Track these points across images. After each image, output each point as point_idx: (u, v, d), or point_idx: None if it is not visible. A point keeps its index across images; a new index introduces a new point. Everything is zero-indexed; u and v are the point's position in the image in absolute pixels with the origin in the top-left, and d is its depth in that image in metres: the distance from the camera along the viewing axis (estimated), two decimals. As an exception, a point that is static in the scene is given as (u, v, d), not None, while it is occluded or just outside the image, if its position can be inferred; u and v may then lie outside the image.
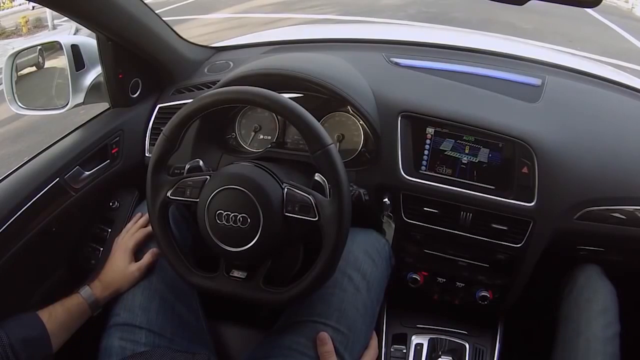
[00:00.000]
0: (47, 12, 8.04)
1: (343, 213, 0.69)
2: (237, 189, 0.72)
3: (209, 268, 0.78)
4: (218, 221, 0.72)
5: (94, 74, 1.05)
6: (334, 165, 0.70)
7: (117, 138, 1.05)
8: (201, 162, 0.82)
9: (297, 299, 0.72)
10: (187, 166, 0.82)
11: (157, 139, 0.79)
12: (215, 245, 0.74)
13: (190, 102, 0.76)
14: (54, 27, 7.89)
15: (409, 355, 1.09)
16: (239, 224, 0.71)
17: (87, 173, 0.98)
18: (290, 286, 0.72)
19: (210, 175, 0.77)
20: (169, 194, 0.77)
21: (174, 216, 0.91)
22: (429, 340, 1.10)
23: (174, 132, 0.77)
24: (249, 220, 0.71)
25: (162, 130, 0.78)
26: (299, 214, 0.71)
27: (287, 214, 0.72)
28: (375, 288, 0.85)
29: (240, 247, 0.72)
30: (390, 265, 0.94)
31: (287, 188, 0.73)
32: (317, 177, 0.76)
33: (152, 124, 1.11)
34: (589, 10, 7.34)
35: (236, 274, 0.76)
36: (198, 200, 0.75)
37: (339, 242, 0.70)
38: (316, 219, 0.70)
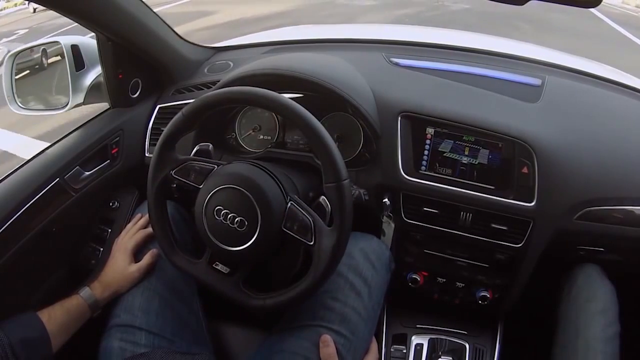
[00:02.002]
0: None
1: (339, 247, 0.69)
2: (242, 191, 0.71)
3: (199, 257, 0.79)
4: (216, 217, 0.72)
5: (94, 74, 1.05)
6: (344, 201, 0.70)
7: (117, 138, 1.05)
8: (211, 146, 0.81)
9: (271, 309, 0.72)
10: (197, 148, 0.81)
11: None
12: (206, 236, 0.74)
13: (223, 90, 0.75)
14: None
15: (409, 356, 1.09)
16: (235, 225, 0.71)
17: (87, 173, 0.98)
18: (270, 294, 0.72)
19: (217, 165, 0.76)
20: (172, 172, 0.77)
21: (173, 217, 0.91)
22: (429, 341, 1.10)
23: (194, 113, 0.76)
24: (246, 224, 0.71)
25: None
26: (296, 234, 0.71)
27: (284, 229, 0.72)
28: (376, 293, 0.86)
29: (230, 247, 0.72)
30: (390, 270, 0.94)
31: (291, 204, 0.73)
32: (322, 200, 0.76)
33: (152, 124, 1.11)
34: (610, 22, 7.16)
35: (219, 266, 0.76)
36: (200, 187, 0.75)
37: (328, 272, 0.70)
38: (312, 243, 0.70)
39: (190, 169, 0.76)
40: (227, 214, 0.71)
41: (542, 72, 1.10)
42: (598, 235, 0.92)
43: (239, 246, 0.71)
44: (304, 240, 0.70)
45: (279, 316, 0.84)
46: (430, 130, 0.94)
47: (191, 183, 0.76)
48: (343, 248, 0.70)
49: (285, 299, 0.71)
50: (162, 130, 0.78)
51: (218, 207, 0.72)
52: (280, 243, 0.73)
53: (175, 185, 0.90)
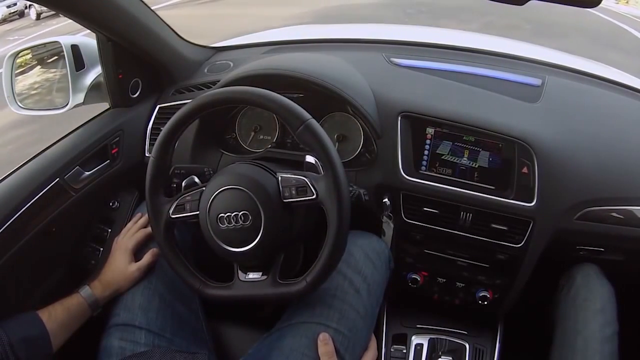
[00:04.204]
0: None
1: (339, 183, 0.69)
2: (231, 188, 0.72)
3: (219, 273, 0.79)
4: (221, 225, 0.72)
5: (94, 74, 1.05)
6: (319, 137, 0.70)
7: (117, 138, 1.05)
8: (196, 178, 0.83)
9: (315, 285, 0.71)
10: (184, 184, 0.83)
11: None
12: (224, 251, 0.74)
13: (170, 119, 0.77)
14: None
15: (409, 356, 1.09)
16: (241, 222, 0.71)
17: (87, 173, 0.98)
18: (305, 274, 0.72)
19: (205, 187, 0.77)
20: (170, 214, 0.78)
21: None
22: (429, 341, 1.10)
23: (161, 151, 0.78)
24: (250, 216, 0.71)
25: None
26: (296, 197, 0.71)
27: (285, 200, 0.72)
28: (376, 290, 0.86)
29: (248, 245, 0.72)
30: (390, 268, 0.94)
31: (281, 176, 0.74)
32: (308, 158, 0.76)
33: (152, 124, 1.11)
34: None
35: (251, 276, 0.76)
36: (198, 212, 0.75)
37: (342, 214, 0.69)
38: (314, 196, 0.70)
39: (184, 203, 0.78)
40: (229, 216, 0.72)
41: (542, 72, 1.10)
42: (598, 235, 0.92)
43: (255, 240, 0.72)
44: (308, 199, 0.71)
45: (279, 314, 0.84)
46: (430, 130, 0.94)
47: (190, 214, 0.77)
48: (344, 181, 0.69)
49: (321, 267, 0.70)
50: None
51: (219, 215, 0.72)
52: (290, 218, 0.74)
53: (174, 186, 0.91)
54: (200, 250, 0.84)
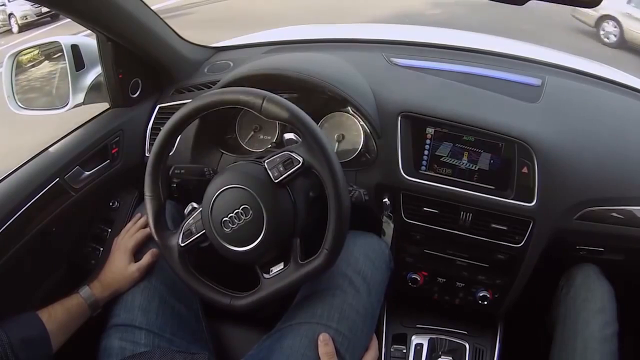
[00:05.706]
0: None
1: (318, 139, 0.69)
2: (225, 189, 0.73)
3: (228, 282, 0.79)
4: (226, 229, 0.73)
5: (94, 74, 1.05)
6: (283, 105, 0.70)
7: (117, 138, 1.05)
8: (195, 204, 0.83)
9: (335, 252, 0.71)
10: (185, 212, 0.83)
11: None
12: (239, 254, 0.74)
13: (147, 161, 0.79)
14: None
15: (409, 355, 1.09)
16: (243, 217, 0.72)
17: (87, 173, 0.98)
18: (322, 246, 0.71)
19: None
20: (180, 244, 0.78)
21: (174, 217, 0.92)
22: (429, 340, 1.10)
23: (154, 187, 0.79)
24: (249, 208, 0.71)
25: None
26: (285, 172, 0.72)
27: (277, 180, 0.72)
28: (376, 290, 0.85)
29: (258, 238, 0.72)
30: (390, 268, 0.94)
31: (266, 160, 0.74)
32: (286, 135, 0.76)
33: (152, 124, 1.11)
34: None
35: (275, 270, 0.76)
36: (205, 229, 0.76)
37: (333, 168, 0.69)
38: (301, 164, 0.71)
39: (189, 228, 0.79)
40: (231, 217, 0.72)
41: (542, 72, 1.10)
42: (598, 235, 0.92)
43: (262, 231, 0.72)
44: (296, 168, 0.71)
45: (279, 315, 0.84)
46: (430, 130, 0.94)
47: (198, 235, 0.78)
48: (322, 138, 0.70)
49: (333, 231, 0.70)
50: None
51: (223, 219, 0.73)
52: (289, 197, 0.74)
53: (175, 185, 0.91)
54: (207, 264, 0.84)
